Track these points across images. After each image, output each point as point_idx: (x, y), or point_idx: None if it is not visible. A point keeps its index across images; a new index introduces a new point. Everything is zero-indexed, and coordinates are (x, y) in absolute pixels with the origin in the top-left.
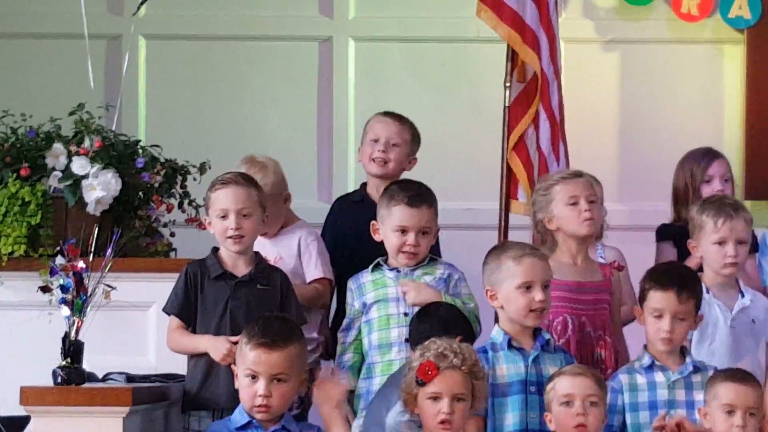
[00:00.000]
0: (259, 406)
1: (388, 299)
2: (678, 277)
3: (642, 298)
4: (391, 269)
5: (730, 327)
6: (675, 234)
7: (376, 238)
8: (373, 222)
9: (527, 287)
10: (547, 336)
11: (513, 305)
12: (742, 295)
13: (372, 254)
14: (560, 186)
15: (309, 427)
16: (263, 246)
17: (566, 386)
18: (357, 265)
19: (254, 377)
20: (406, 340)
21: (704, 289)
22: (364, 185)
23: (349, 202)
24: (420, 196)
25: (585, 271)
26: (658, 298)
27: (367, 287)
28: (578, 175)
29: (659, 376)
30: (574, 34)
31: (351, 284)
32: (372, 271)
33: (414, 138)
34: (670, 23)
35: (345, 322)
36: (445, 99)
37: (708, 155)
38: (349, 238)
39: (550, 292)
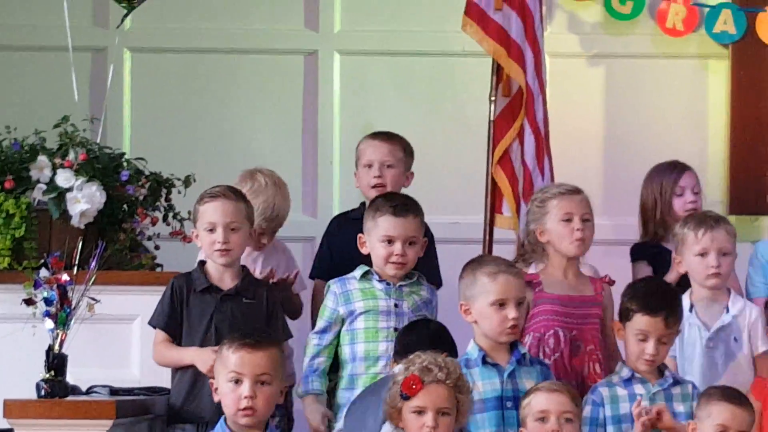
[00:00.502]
0: (245, 408)
1: (379, 311)
2: (666, 301)
3: (625, 317)
4: (381, 281)
5: (705, 347)
6: (649, 253)
7: (363, 251)
8: (359, 235)
9: (501, 304)
10: (523, 350)
11: (487, 321)
12: (728, 311)
13: None
14: (557, 201)
15: None
16: (256, 260)
17: (542, 402)
18: None
19: (238, 381)
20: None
21: (687, 307)
22: (363, 204)
23: (348, 219)
24: (406, 206)
25: (575, 285)
26: (645, 322)
27: (355, 295)
28: (576, 192)
29: (639, 388)
30: (559, 48)
31: (336, 288)
32: (360, 279)
33: (407, 153)
34: (656, 38)
35: (322, 324)
36: (431, 113)
37: (677, 167)
38: (348, 255)
39: (524, 309)
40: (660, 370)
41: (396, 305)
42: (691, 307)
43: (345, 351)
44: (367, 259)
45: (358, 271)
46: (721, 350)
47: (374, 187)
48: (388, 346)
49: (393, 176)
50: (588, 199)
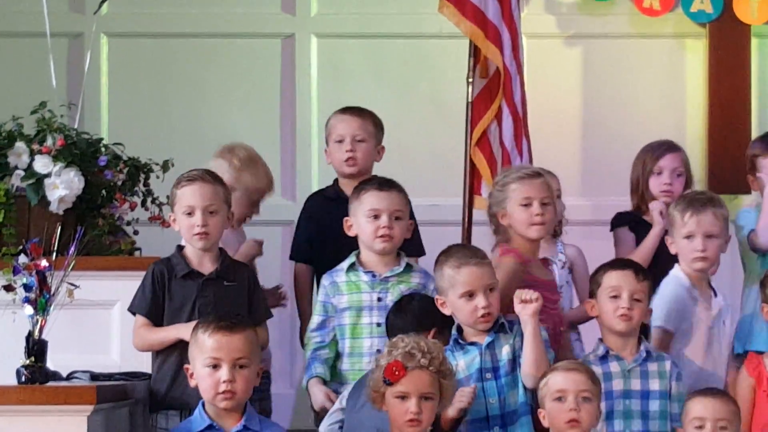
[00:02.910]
0: (224, 392)
1: (362, 307)
2: (633, 262)
3: (596, 285)
4: (367, 272)
5: (709, 328)
6: (630, 220)
7: (350, 233)
8: (346, 219)
9: (470, 295)
10: (501, 319)
11: (460, 313)
12: (715, 294)
13: (350, 251)
14: (516, 185)
15: (271, 425)
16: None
17: (559, 381)
18: (335, 263)
19: (215, 366)
20: (379, 351)
21: (688, 284)
22: (336, 181)
23: (324, 199)
24: (390, 182)
25: (544, 269)
26: (615, 277)
27: (342, 288)
28: (536, 175)
29: (614, 366)
30: (537, 29)
31: (325, 281)
32: (347, 271)
33: (377, 127)
34: (633, 18)
35: (317, 320)
36: (408, 95)
37: (662, 147)
38: (327, 235)
39: (497, 294)
40: (638, 344)
41: (379, 299)
42: (693, 284)
43: (338, 345)
44: (345, 240)
45: (346, 263)
46: (716, 331)
47: (346, 161)
48: (372, 342)
49: (365, 150)
50: (548, 183)
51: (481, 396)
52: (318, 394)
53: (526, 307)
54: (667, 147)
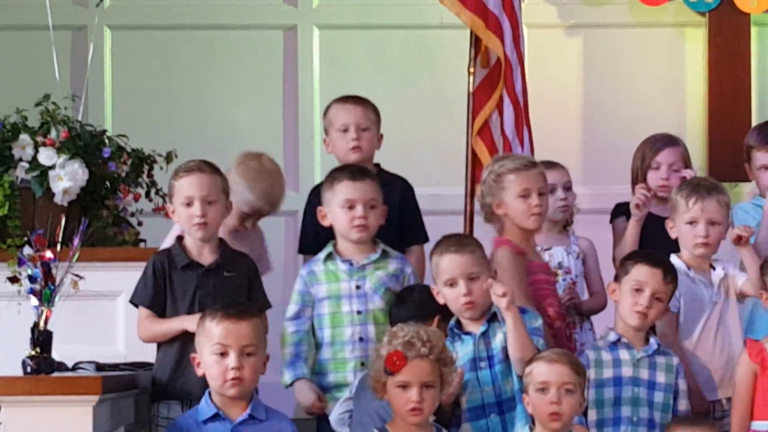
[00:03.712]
0: (233, 379)
1: (341, 296)
2: (665, 259)
3: (623, 272)
4: (344, 261)
5: (713, 302)
6: (628, 210)
7: (324, 223)
8: (319, 208)
9: (451, 284)
10: (494, 309)
11: (448, 302)
12: (714, 268)
13: None
14: (513, 176)
15: (277, 415)
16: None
17: (542, 373)
18: None
19: (223, 353)
20: (360, 339)
21: (685, 267)
22: None
23: None
24: (362, 170)
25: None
26: (644, 272)
27: (320, 277)
28: (531, 166)
29: (624, 354)
30: (537, 19)
31: (303, 271)
32: (325, 261)
33: (377, 115)
34: (632, 7)
35: (294, 309)
36: (409, 85)
37: (661, 141)
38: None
39: (481, 283)
40: (646, 337)
41: (358, 286)
42: (689, 266)
43: (317, 335)
44: None
45: (323, 253)
46: (723, 304)
47: (352, 149)
48: (353, 330)
49: (369, 139)
50: (543, 172)
51: (476, 384)
52: (309, 393)
53: (500, 300)
54: (666, 141)
